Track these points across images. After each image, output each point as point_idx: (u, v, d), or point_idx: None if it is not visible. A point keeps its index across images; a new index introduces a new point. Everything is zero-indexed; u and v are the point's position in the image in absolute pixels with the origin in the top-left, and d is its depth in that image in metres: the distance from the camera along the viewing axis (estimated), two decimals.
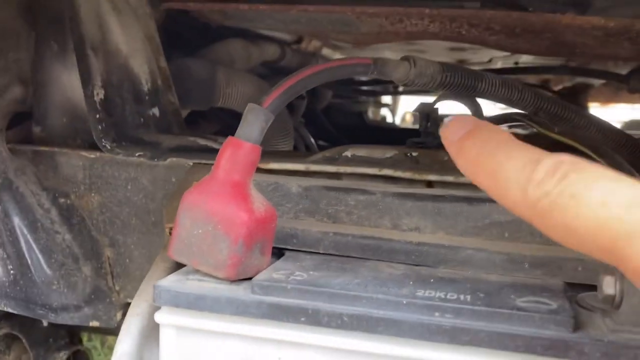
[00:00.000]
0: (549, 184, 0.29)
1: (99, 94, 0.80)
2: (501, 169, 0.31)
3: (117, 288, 0.85)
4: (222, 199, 0.48)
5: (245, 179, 0.50)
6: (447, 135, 0.36)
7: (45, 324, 1.03)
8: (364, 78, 1.94)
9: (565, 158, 0.30)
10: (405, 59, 0.62)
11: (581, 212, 0.28)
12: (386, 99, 2.48)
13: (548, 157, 0.30)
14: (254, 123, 0.50)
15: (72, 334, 1.09)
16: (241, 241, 0.48)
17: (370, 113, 2.38)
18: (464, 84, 0.65)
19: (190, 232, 0.49)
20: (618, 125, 2.51)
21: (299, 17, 0.95)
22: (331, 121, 1.95)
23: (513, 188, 0.30)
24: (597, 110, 2.86)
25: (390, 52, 1.75)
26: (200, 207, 0.49)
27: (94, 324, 0.85)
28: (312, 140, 1.41)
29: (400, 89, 2.29)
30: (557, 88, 2.11)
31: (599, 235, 0.27)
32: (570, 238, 0.29)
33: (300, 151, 1.34)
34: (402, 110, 2.75)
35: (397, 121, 2.74)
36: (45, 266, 0.81)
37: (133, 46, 0.87)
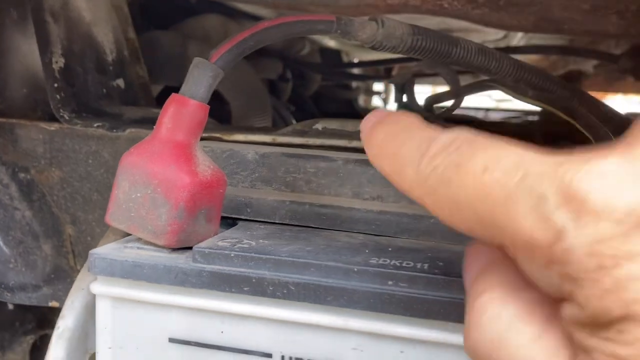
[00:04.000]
0: (439, 158, 0.26)
1: (59, 62, 0.76)
2: (400, 150, 0.29)
3: (78, 267, 0.81)
4: (163, 160, 0.44)
5: (190, 140, 0.46)
6: (362, 127, 0.33)
7: (10, 307, 0.99)
8: (354, 60, 1.90)
9: (462, 133, 0.26)
10: (373, 19, 0.58)
11: (464, 181, 0.24)
12: (378, 86, 2.44)
13: (445, 133, 0.27)
14: (201, 79, 0.46)
15: (40, 318, 1.05)
16: (182, 206, 0.44)
17: (361, 100, 2.34)
18: (436, 49, 0.61)
19: (128, 195, 0.45)
20: None
21: None
22: (320, 108, 1.91)
23: (408, 167, 0.28)
24: None
25: None
26: (139, 168, 0.45)
27: (54, 304, 0.82)
28: (294, 121, 1.37)
29: (393, 73, 2.25)
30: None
31: (480, 203, 0.24)
32: (456, 213, 0.25)
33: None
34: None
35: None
36: (2, 243, 0.78)
37: (98, 14, 0.83)
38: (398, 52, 0.60)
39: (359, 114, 2.13)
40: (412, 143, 0.28)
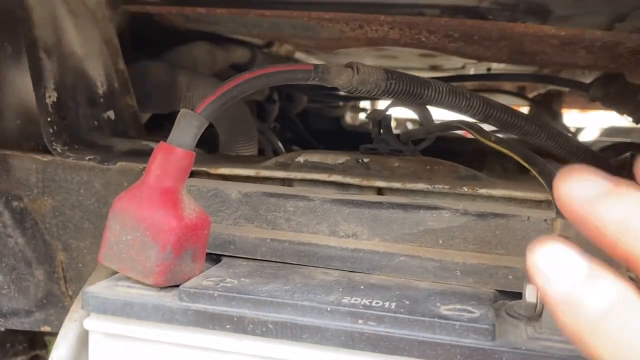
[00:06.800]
0: None
1: (51, 97, 0.79)
2: None
3: (69, 293, 0.85)
4: (152, 205, 0.48)
5: (177, 185, 0.49)
6: (569, 193, 0.27)
7: (1, 328, 1.01)
8: None
9: None
10: (349, 65, 0.62)
11: None
12: (364, 103, 2.49)
13: None
14: (187, 129, 0.50)
15: (32, 339, 1.08)
16: (169, 248, 0.47)
17: (347, 118, 2.39)
18: (409, 91, 0.65)
19: (119, 237, 0.48)
20: (597, 132, 2.54)
21: (260, 21, 0.95)
22: (307, 126, 1.95)
23: None
24: (576, 116, 2.88)
25: (369, 59, 1.75)
26: (130, 212, 0.48)
27: (46, 329, 0.85)
28: (280, 145, 1.41)
29: (374, 97, 2.29)
30: (531, 95, 2.13)
31: None
32: None
33: (266, 156, 1.34)
34: None
35: None
36: None
37: (89, 49, 0.87)
38: (373, 96, 0.64)
39: (346, 131, 2.17)
40: None
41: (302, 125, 1.88)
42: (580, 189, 0.27)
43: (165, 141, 0.50)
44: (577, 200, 0.27)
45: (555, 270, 0.26)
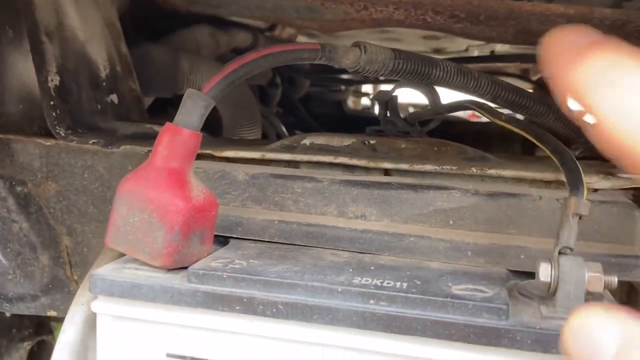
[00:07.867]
0: None
1: (54, 80, 0.78)
2: None
3: (75, 277, 0.84)
4: (159, 186, 0.47)
5: (184, 166, 0.49)
6: (558, 44, 0.23)
7: (7, 314, 1.01)
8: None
9: None
10: (356, 45, 0.61)
11: None
12: (366, 87, 2.47)
13: None
14: (193, 109, 0.49)
15: (38, 325, 1.08)
16: (177, 229, 0.47)
17: (350, 102, 2.37)
18: (417, 70, 0.64)
19: (126, 219, 0.48)
20: None
21: (263, 3, 0.93)
22: (310, 111, 1.94)
23: None
24: None
25: (372, 41, 1.73)
26: (136, 194, 0.48)
27: (52, 313, 0.84)
28: (284, 128, 1.40)
29: (381, 77, 2.28)
30: (535, 77, 2.11)
31: None
32: None
33: (271, 140, 1.33)
34: None
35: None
36: (0, 255, 0.80)
37: (91, 32, 0.86)
38: (381, 75, 0.63)
39: (348, 115, 2.16)
40: None
41: (304, 109, 1.87)
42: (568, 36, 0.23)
43: (171, 122, 0.50)
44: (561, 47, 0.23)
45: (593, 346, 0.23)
